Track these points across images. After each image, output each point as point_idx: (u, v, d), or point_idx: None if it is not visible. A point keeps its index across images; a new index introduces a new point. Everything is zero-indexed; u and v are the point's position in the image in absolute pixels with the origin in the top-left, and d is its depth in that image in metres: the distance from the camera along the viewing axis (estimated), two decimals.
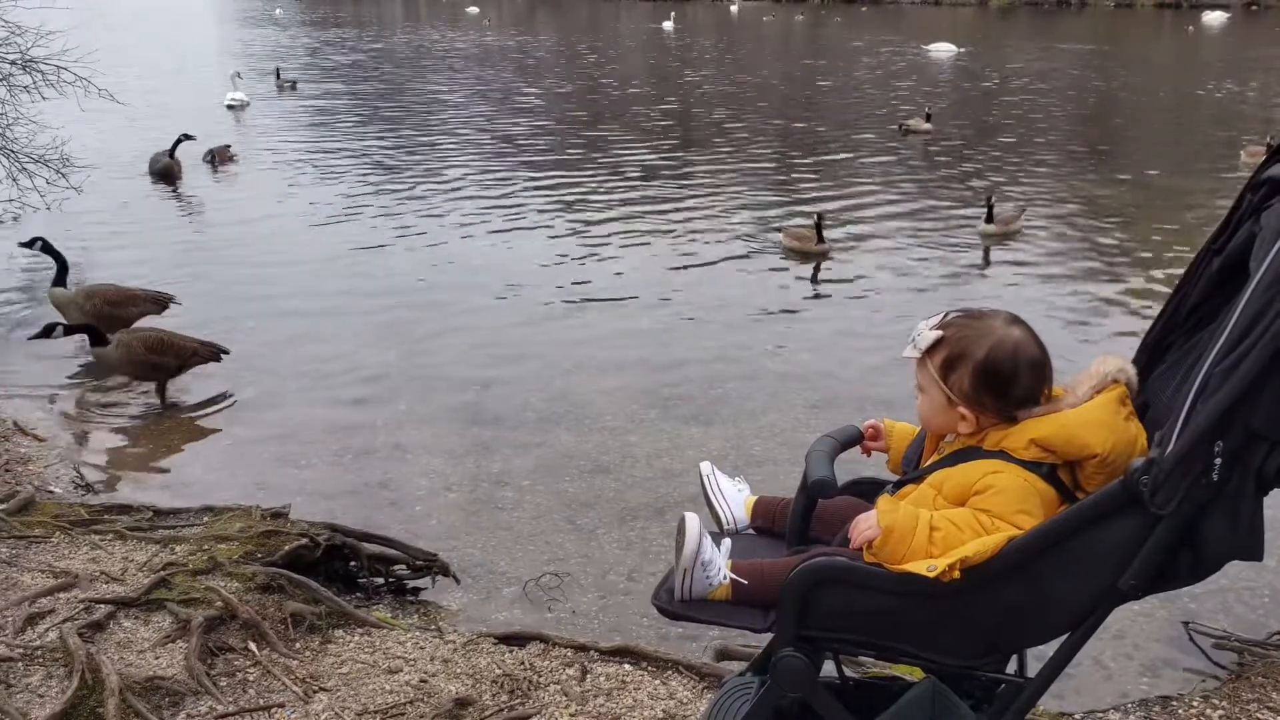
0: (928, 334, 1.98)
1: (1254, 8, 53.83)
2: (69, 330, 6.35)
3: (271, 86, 22.23)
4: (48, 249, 7.31)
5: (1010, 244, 9.98)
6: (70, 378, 6.80)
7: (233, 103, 20.13)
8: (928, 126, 15.83)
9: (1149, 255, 9.73)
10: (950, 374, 1.96)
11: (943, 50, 30.80)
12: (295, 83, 22.80)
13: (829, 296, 8.57)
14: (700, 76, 25.39)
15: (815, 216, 9.56)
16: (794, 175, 13.60)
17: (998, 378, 1.93)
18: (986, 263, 9.55)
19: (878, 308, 8.25)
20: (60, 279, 7.21)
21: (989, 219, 9.91)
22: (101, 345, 6.24)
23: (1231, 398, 1.68)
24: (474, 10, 52.37)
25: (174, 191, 12.62)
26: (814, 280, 8.85)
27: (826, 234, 9.45)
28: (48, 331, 6.25)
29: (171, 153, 13.09)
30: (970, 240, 10.12)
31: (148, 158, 13.24)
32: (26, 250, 7.59)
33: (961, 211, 11.24)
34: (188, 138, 13.35)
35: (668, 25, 42.42)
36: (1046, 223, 10.80)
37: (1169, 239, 10.23)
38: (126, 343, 6.25)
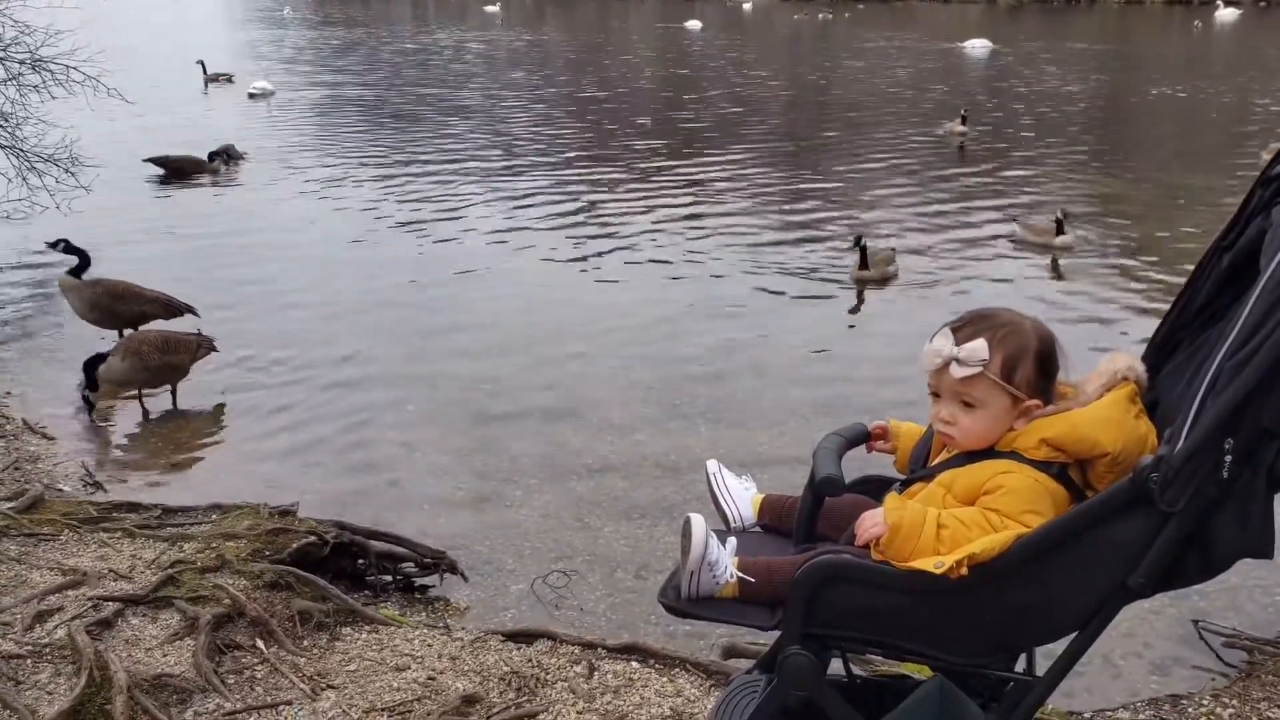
0: (977, 345, 1.92)
1: (1263, 4, 53.52)
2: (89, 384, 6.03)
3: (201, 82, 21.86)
4: (70, 249, 7.27)
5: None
6: (79, 375, 6.80)
7: (255, 91, 20.33)
8: (963, 129, 15.62)
9: (1160, 252, 9.68)
10: (1014, 373, 1.94)
11: (978, 47, 30.60)
12: (230, 76, 22.59)
13: (838, 297, 8.49)
14: (746, 78, 24.75)
15: (855, 239, 8.71)
16: (818, 176, 13.39)
17: (1051, 357, 1.97)
18: (1059, 274, 9.08)
19: (889, 309, 8.20)
20: (76, 272, 7.19)
21: (1060, 230, 9.38)
22: (103, 362, 6.01)
23: (1242, 394, 1.66)
24: (492, 9, 51.65)
25: (183, 191, 12.64)
26: (854, 310, 8.25)
27: (875, 258, 8.63)
28: (90, 405, 6.03)
29: (213, 155, 13.39)
30: (991, 241, 9.94)
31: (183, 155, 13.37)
32: (48, 249, 7.59)
33: (982, 214, 11.05)
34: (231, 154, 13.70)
35: (693, 25, 40.79)
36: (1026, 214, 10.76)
37: (1180, 236, 10.17)
38: (135, 350, 6.06)
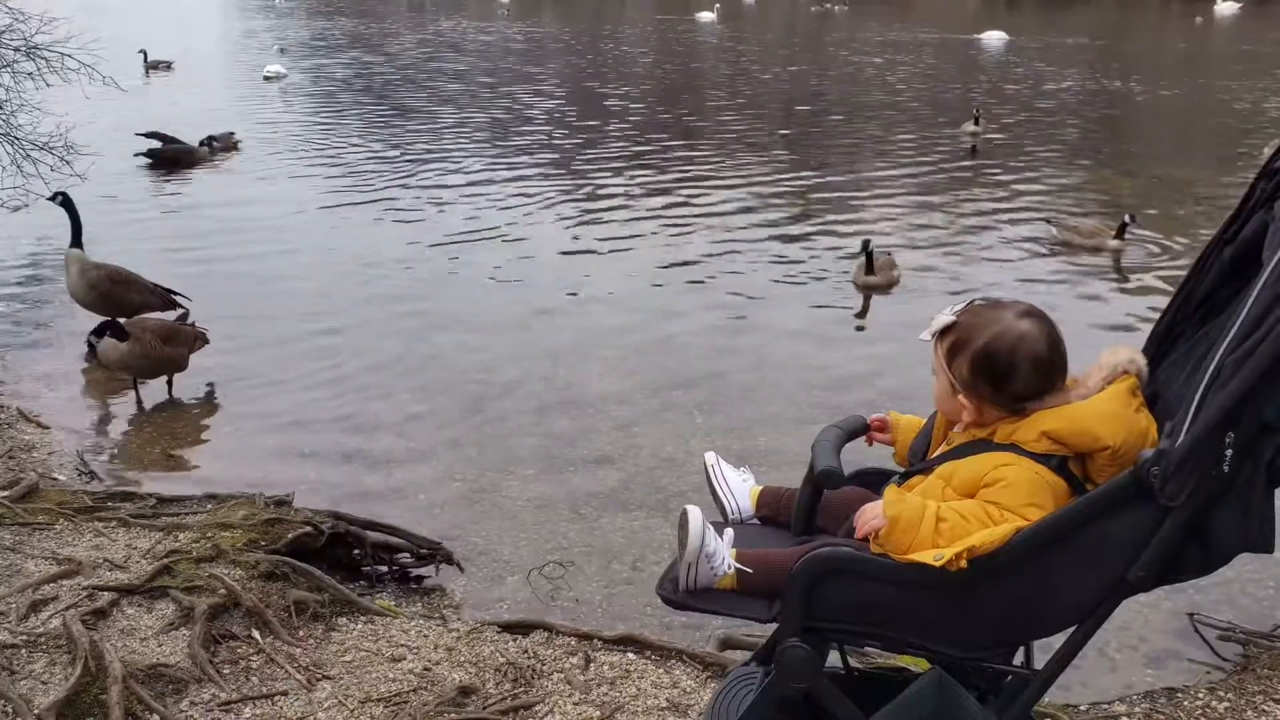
0: (941, 318, 1.99)
1: None
2: (99, 333, 6.10)
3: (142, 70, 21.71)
4: (67, 204, 7.17)
5: (1026, 241, 9.84)
6: (74, 364, 6.79)
7: (270, 74, 20.77)
8: (977, 128, 15.44)
9: (1161, 245, 9.66)
10: (953, 360, 1.97)
11: (994, 38, 30.56)
12: (170, 64, 22.55)
13: (840, 297, 8.37)
14: (757, 73, 24.19)
15: (862, 244, 8.37)
16: (829, 175, 13.12)
17: (993, 369, 1.93)
18: (1070, 274, 8.87)
19: (890, 309, 8.12)
20: (77, 240, 7.10)
21: (1120, 235, 9.19)
22: (121, 339, 5.98)
23: (1243, 388, 1.66)
24: None
25: (178, 179, 12.60)
26: (863, 313, 8.02)
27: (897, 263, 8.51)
28: (93, 348, 6.09)
29: (206, 141, 13.34)
30: (1001, 244, 9.78)
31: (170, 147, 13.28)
32: (26, 214, 7.47)
33: (994, 216, 10.87)
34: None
35: (705, 17, 38.98)
36: (1056, 213, 10.72)
37: (1181, 231, 10.15)
38: (137, 336, 6.03)
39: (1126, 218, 9.37)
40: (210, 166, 13.21)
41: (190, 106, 17.11)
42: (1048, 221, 10.02)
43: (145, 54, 22.37)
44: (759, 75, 24.03)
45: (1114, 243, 9.27)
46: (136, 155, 13.00)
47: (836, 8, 46.76)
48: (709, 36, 34.30)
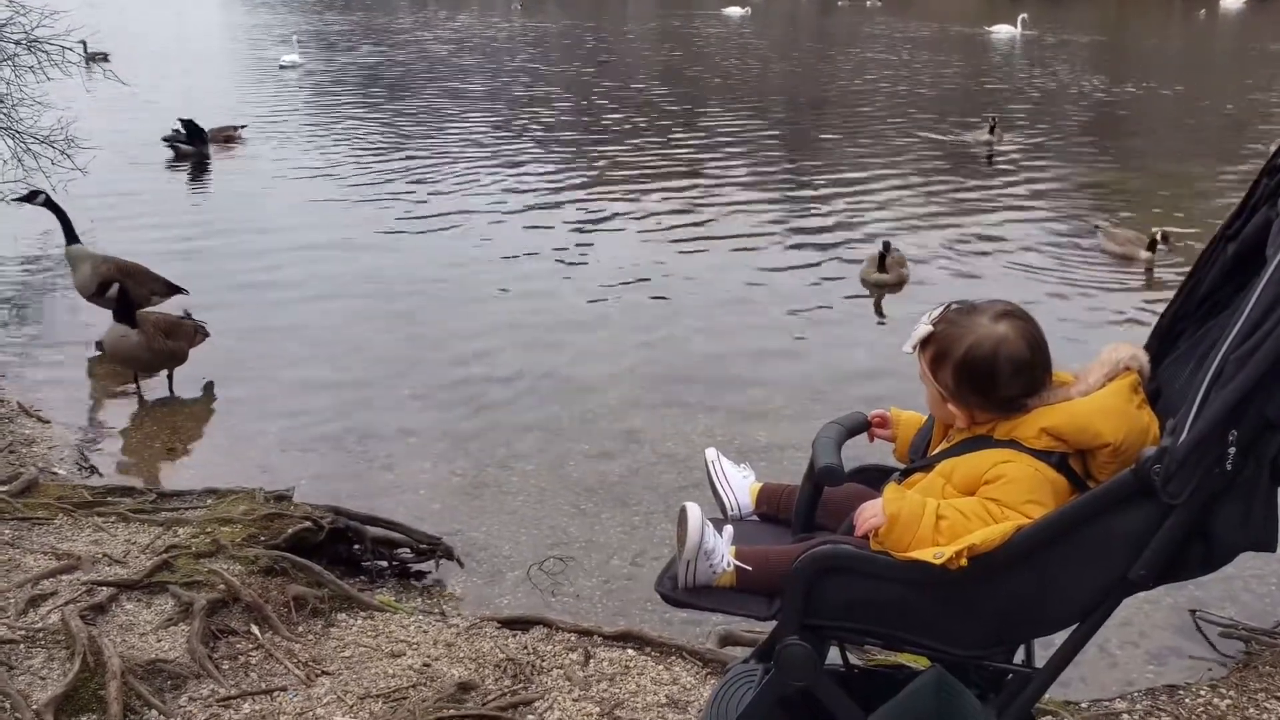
0: (920, 329, 1.98)
1: None
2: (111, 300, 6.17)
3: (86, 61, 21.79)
4: (49, 204, 7.21)
5: (1029, 236, 9.79)
6: (75, 359, 6.78)
7: (286, 63, 21.31)
8: (990, 137, 15.24)
9: (1166, 245, 9.60)
10: (938, 371, 1.96)
11: (1003, 32, 30.67)
12: (107, 55, 22.48)
13: (843, 296, 8.28)
14: (767, 71, 23.99)
15: (882, 245, 8.34)
16: (838, 178, 12.85)
17: (976, 377, 1.92)
18: (1071, 276, 8.71)
19: (895, 297, 8.11)
20: (73, 236, 7.11)
21: (1152, 247, 8.93)
22: (129, 324, 5.97)
23: (1247, 386, 1.65)
24: None
25: (182, 172, 12.59)
26: (877, 311, 8.00)
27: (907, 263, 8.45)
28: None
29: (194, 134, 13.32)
30: (1009, 249, 9.61)
31: (159, 139, 13.24)
32: (28, 208, 7.55)
33: (1006, 221, 10.67)
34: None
35: (734, 12, 38.57)
36: (1067, 214, 10.67)
37: (1185, 229, 10.11)
38: (142, 329, 6.01)
39: (1158, 236, 9.06)
40: (217, 159, 13.18)
41: (204, 97, 17.09)
42: (1097, 227, 9.91)
43: (85, 44, 22.27)
44: (785, 71, 23.83)
45: (1145, 254, 9.04)
46: (163, 140, 13.04)
47: (869, 2, 45.93)
48: (735, 33, 33.87)
